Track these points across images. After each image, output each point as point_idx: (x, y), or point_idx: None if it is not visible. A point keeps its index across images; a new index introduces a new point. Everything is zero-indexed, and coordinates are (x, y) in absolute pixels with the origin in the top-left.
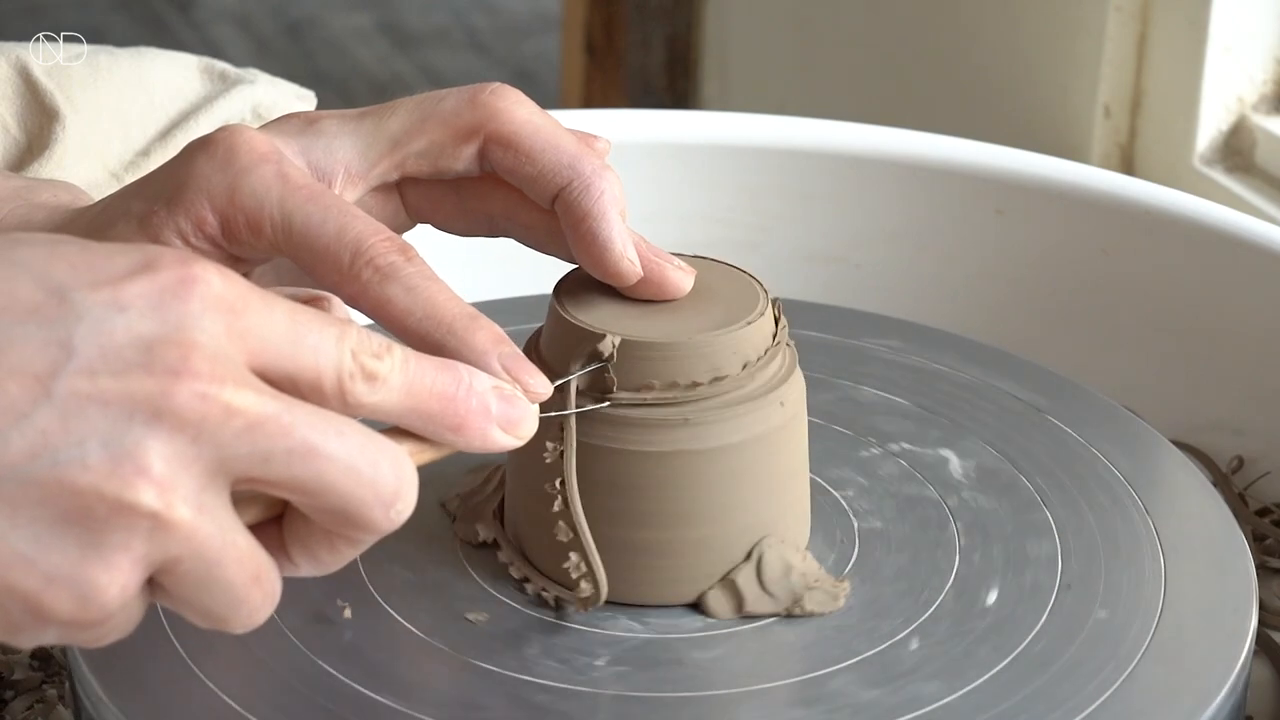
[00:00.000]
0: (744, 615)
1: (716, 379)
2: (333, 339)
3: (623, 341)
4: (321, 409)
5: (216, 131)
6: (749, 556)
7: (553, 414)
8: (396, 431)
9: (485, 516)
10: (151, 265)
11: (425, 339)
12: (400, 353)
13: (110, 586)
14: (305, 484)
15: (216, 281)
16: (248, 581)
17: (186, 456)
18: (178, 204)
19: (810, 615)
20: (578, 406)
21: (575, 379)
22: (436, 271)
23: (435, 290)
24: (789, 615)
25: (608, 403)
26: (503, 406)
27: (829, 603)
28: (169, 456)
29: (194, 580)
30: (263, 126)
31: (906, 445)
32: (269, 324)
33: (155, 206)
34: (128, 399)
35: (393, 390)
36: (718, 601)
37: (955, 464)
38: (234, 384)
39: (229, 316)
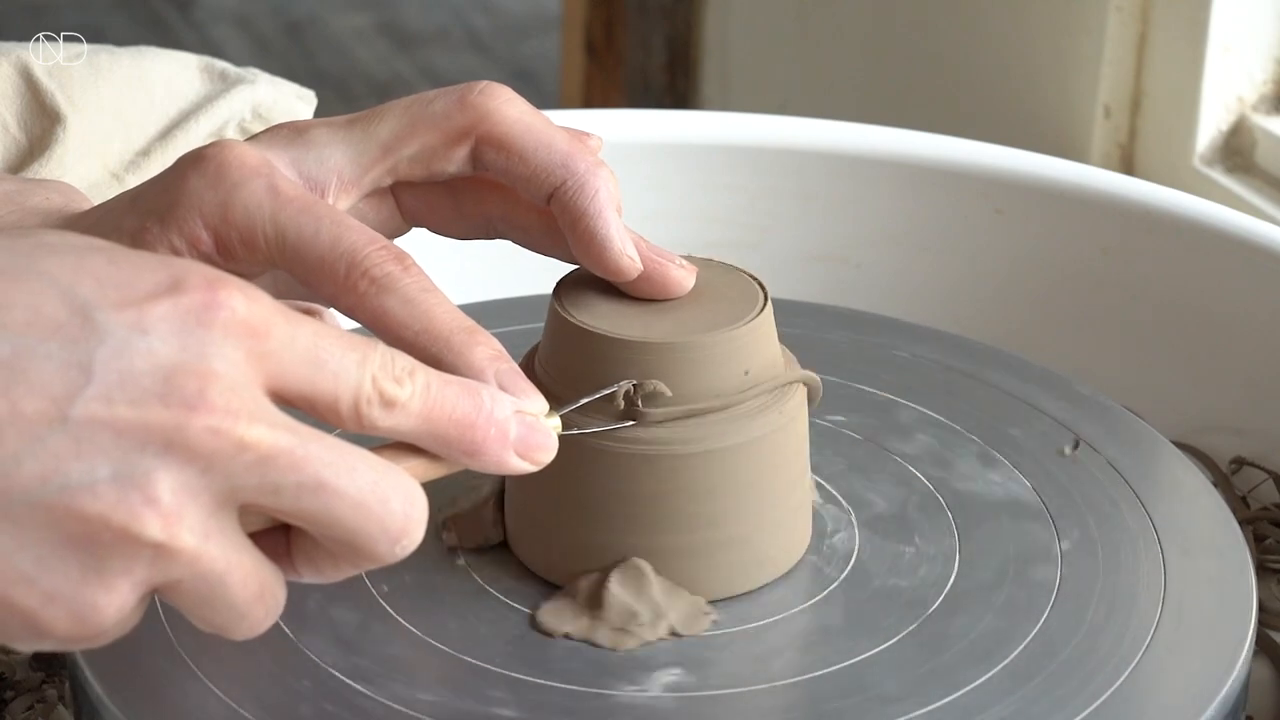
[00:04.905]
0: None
1: (716, 380)
2: (354, 363)
3: (623, 342)
4: (338, 441)
5: (207, 146)
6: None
7: (573, 432)
8: (407, 447)
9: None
10: (178, 286)
11: (422, 353)
12: (423, 377)
13: (108, 608)
14: (314, 516)
15: (241, 304)
16: (251, 598)
17: (195, 486)
18: (170, 221)
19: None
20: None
21: (586, 402)
22: (439, 270)
23: (433, 303)
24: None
25: (630, 422)
26: (522, 432)
27: (613, 638)
28: (177, 487)
29: (196, 598)
30: (253, 138)
31: (905, 444)
32: (291, 347)
33: (148, 223)
34: (142, 429)
35: (410, 415)
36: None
37: (954, 463)
38: (248, 417)
39: (250, 341)
